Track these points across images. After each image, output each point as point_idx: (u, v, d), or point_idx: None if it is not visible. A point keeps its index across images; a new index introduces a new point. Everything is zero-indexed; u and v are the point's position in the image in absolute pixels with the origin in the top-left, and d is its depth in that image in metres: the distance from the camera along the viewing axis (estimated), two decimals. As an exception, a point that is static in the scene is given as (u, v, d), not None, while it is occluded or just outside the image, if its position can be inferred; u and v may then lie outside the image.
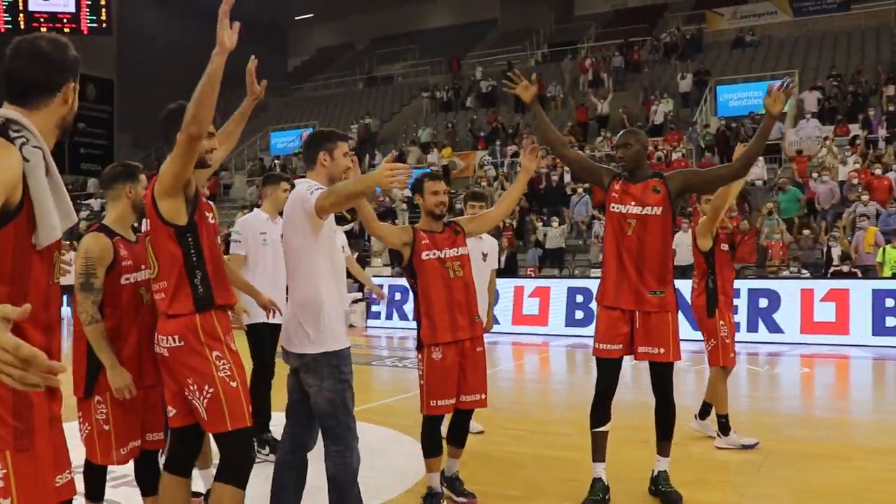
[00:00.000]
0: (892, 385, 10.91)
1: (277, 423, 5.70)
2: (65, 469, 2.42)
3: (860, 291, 13.46)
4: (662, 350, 4.99)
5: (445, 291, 4.90)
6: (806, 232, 16.59)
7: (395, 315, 17.10)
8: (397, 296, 16.85)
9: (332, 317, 3.94)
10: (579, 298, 15.62)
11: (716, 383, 6.66)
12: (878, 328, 13.21)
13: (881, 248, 15.01)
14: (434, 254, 4.94)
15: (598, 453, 5.14)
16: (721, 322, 6.52)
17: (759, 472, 6.03)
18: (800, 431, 7.58)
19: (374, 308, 17.42)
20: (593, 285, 15.28)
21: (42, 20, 32.88)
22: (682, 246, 15.60)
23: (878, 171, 17.81)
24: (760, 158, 19.89)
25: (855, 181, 17.39)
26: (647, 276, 4.99)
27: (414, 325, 5.07)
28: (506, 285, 15.61)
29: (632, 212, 5.01)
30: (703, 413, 7.00)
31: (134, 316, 3.93)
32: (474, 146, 27.46)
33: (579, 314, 15.44)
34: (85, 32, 33.54)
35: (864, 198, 16.63)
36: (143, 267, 3.97)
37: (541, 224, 19.33)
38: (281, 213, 5.14)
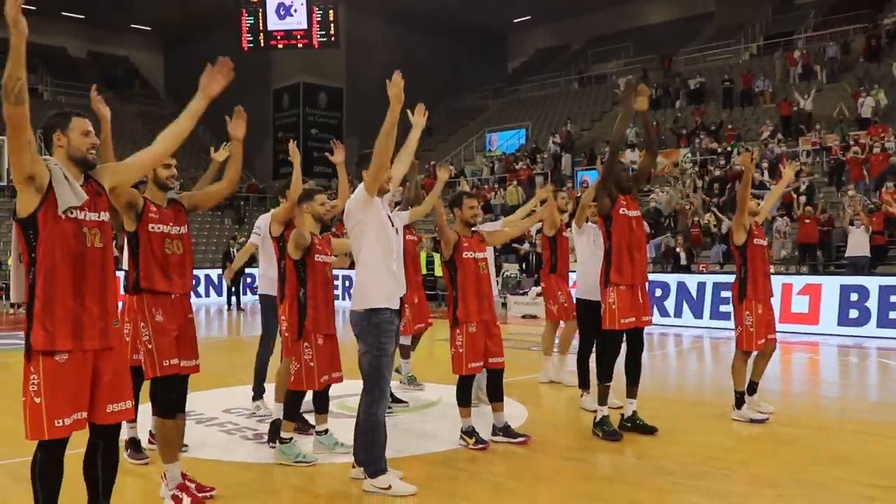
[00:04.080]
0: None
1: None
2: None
3: None
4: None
5: (477, 283, 6.62)
6: None
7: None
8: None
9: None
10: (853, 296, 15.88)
11: (735, 363, 7.69)
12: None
13: None
14: (472, 254, 6.64)
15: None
16: (747, 312, 7.54)
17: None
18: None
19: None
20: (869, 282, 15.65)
21: (279, 37, 36.87)
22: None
23: None
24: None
25: None
26: (643, 261, 6.84)
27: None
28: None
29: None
30: (751, 390, 7.89)
31: None
32: (677, 144, 28.04)
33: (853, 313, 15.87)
34: (316, 46, 37.22)
35: None
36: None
37: (727, 219, 19.88)
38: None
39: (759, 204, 7.86)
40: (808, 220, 18.65)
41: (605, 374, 7.04)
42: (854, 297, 15.02)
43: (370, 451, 5.46)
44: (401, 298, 8.26)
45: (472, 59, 44.77)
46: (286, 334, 6.42)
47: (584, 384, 8.10)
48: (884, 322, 14.62)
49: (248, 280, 24.15)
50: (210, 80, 4.17)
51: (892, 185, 19.22)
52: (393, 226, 5.56)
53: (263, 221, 7.60)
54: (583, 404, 8.04)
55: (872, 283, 15.11)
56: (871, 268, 17.28)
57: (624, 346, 7.14)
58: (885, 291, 14.74)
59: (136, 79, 45.47)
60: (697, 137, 27.12)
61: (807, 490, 5.56)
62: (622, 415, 7.26)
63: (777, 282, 15.85)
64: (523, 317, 19.38)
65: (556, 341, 10.09)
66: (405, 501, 5.33)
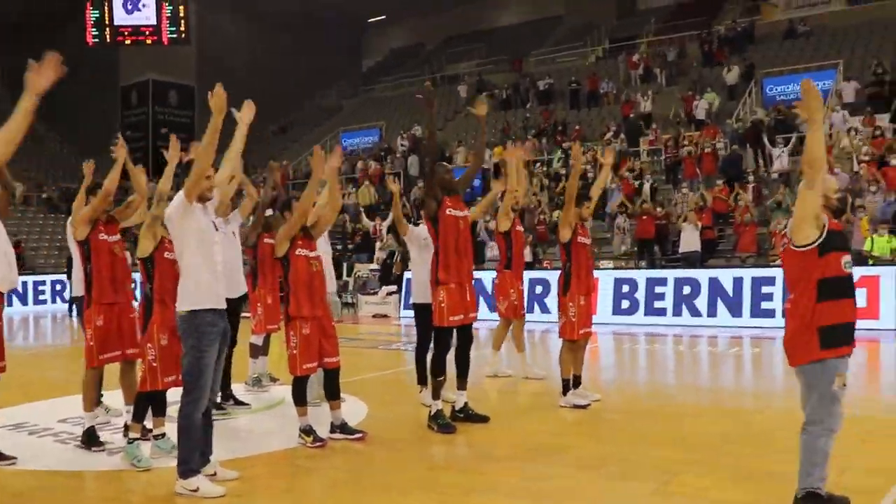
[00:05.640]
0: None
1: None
2: None
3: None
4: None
5: (309, 280, 6.93)
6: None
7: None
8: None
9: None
10: (625, 288, 16.85)
11: (563, 353, 8.21)
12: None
13: (869, 237, 15.94)
14: (304, 252, 6.88)
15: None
16: (570, 304, 8.05)
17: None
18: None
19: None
20: (638, 275, 16.93)
21: (126, 33, 35.83)
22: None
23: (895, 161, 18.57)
24: (783, 151, 20.83)
25: (863, 171, 18.23)
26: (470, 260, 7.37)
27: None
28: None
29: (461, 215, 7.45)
30: (576, 383, 8.39)
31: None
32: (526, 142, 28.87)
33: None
34: (166, 43, 36.36)
35: (874, 188, 17.50)
36: None
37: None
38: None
39: (590, 210, 8.34)
40: (645, 217, 19.64)
41: (438, 370, 7.35)
42: (686, 289, 16.02)
43: (183, 451, 5.55)
44: (241, 299, 8.42)
45: (328, 58, 44.64)
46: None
47: (421, 380, 8.40)
48: (714, 311, 15.64)
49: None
50: (37, 76, 3.90)
51: (722, 182, 20.49)
52: (217, 230, 5.68)
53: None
54: (421, 399, 8.33)
55: (703, 275, 16.16)
56: (703, 261, 18.37)
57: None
58: (713, 283, 15.79)
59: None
60: (545, 137, 28.03)
61: (623, 467, 6.02)
62: (453, 406, 7.60)
63: (616, 276, 16.84)
64: (374, 316, 19.59)
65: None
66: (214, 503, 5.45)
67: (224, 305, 5.63)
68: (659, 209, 19.89)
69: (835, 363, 4.54)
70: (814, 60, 28.00)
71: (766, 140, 21.77)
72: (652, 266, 18.98)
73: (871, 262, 15.45)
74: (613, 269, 18.52)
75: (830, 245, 4.57)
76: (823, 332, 4.53)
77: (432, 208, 7.32)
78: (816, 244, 4.57)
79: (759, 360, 12.06)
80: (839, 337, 4.55)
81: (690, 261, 18.01)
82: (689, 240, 18.22)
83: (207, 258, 5.50)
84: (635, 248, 20.18)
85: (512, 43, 40.90)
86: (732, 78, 27.74)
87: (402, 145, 31.53)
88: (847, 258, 4.64)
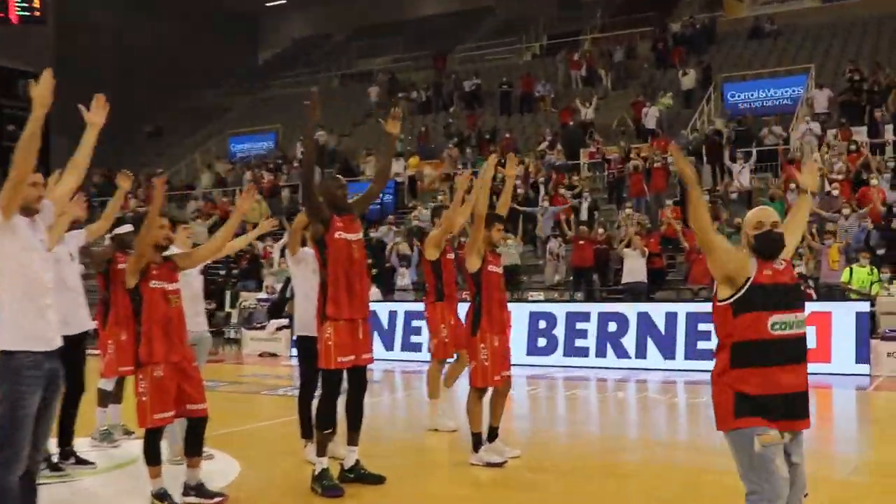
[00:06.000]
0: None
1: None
2: None
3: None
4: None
5: (165, 318, 6.81)
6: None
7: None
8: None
9: None
10: (542, 324, 16.96)
11: (470, 403, 8.08)
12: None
13: (847, 268, 16.34)
14: (159, 284, 6.76)
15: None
16: (482, 344, 7.98)
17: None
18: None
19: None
20: (557, 309, 17.03)
21: (-35, 9, 34.82)
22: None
23: (874, 181, 19.12)
24: (745, 166, 21.30)
25: (836, 192, 18.73)
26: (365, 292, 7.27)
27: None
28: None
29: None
30: (491, 436, 8.29)
31: None
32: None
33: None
34: (15, 21, 35.51)
35: (846, 210, 17.96)
36: None
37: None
38: None
39: (500, 233, 8.31)
40: (582, 242, 19.79)
41: (325, 421, 7.20)
42: (612, 326, 16.16)
43: None
44: (83, 336, 8.16)
45: (217, 47, 44.26)
46: None
47: (305, 433, 8.22)
48: (642, 352, 15.82)
49: None
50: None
51: (673, 202, 20.82)
52: (50, 251, 5.42)
53: None
54: (305, 456, 8.16)
55: (631, 311, 16.26)
56: (650, 293, 18.59)
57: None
58: (643, 319, 15.97)
59: None
60: (470, 146, 28.18)
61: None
62: (342, 465, 7.45)
63: (532, 310, 16.90)
64: (260, 355, 19.34)
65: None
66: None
67: (53, 345, 5.30)
68: (599, 232, 20.08)
69: (753, 429, 4.52)
70: (782, 64, 28.84)
71: (725, 154, 22.20)
72: (590, 298, 19.14)
73: (852, 296, 15.82)
74: (545, 301, 18.61)
75: (750, 304, 4.54)
76: (739, 400, 4.54)
77: (318, 230, 7.21)
78: (729, 302, 4.59)
79: (695, 409, 12.16)
80: (759, 409, 4.51)
81: (635, 293, 18.20)
82: (634, 268, 18.40)
83: (33, 285, 5.21)
84: (571, 278, 20.31)
85: (433, 37, 41.21)
86: (689, 82, 28.40)
87: (301, 153, 31.30)
88: (781, 318, 4.54)
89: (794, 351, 4.58)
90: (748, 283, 4.55)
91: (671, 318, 15.74)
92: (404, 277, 20.88)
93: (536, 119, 30.85)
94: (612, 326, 16.15)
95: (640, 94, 28.62)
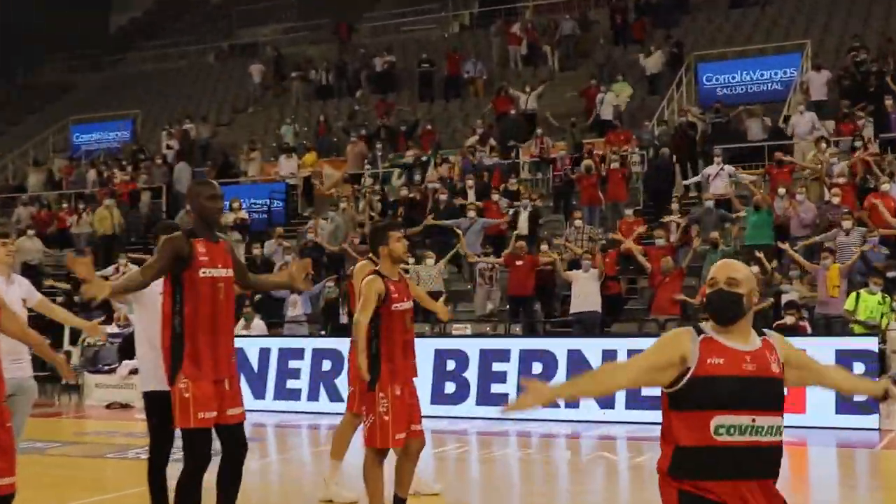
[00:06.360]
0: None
1: None
2: None
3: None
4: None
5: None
6: (754, 269, 17.91)
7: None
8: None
9: None
10: (450, 365, 16.69)
11: (367, 468, 7.89)
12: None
13: (853, 294, 16.32)
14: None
15: None
16: (381, 395, 7.73)
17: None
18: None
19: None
20: (469, 347, 16.77)
21: None
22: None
23: (885, 186, 19.21)
24: (725, 168, 21.30)
25: (836, 200, 18.79)
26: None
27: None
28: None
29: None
30: None
31: None
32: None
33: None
34: None
35: (847, 223, 17.99)
36: None
37: (412, 261, 20.47)
38: None
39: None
40: (520, 262, 19.58)
41: (185, 496, 6.87)
42: (537, 367, 15.86)
43: None
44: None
45: (58, 10, 43.42)
46: None
47: None
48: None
49: None
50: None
51: (633, 212, 20.73)
52: None
53: None
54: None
55: (594, 347, 16.03)
56: (604, 326, 18.47)
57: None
58: (574, 358, 15.66)
59: None
60: (381, 140, 27.93)
61: None
62: None
63: (437, 346, 16.67)
64: (108, 406, 18.88)
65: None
66: None
67: None
68: (543, 249, 19.93)
69: None
70: (770, 40, 29.01)
71: (698, 152, 22.22)
72: (531, 332, 18.99)
73: (856, 330, 15.81)
74: (471, 336, 18.39)
75: (688, 400, 4.38)
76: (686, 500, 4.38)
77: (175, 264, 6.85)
78: (667, 391, 4.45)
79: (638, 470, 12.11)
80: None
81: (587, 325, 18.09)
82: (586, 295, 18.26)
83: None
84: (507, 307, 20.13)
85: (335, 2, 40.93)
86: (655, 63, 28.53)
87: (167, 146, 30.84)
88: (729, 420, 4.35)
89: (750, 464, 4.39)
90: (688, 375, 4.36)
91: (608, 357, 15.24)
92: (296, 307, 20.44)
93: (465, 107, 30.76)
94: (538, 367, 15.90)
95: (595, 77, 28.60)
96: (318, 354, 17.28)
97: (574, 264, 19.03)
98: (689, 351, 4.37)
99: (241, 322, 18.44)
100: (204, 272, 6.86)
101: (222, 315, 6.99)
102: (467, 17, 38.37)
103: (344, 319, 18.69)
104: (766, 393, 4.41)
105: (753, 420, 4.33)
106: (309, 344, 17.89)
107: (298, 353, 17.36)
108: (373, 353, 7.79)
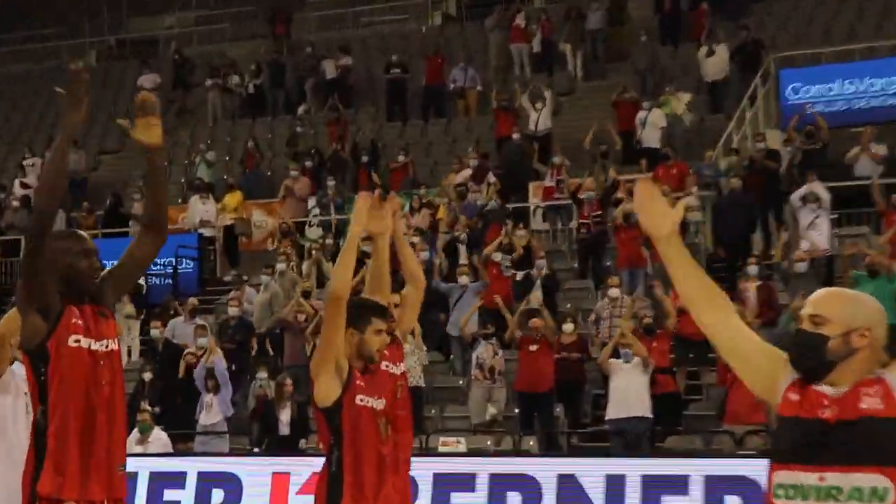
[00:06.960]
0: None
1: None
2: None
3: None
4: None
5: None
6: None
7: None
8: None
9: None
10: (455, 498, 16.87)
11: None
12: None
13: None
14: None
15: None
16: None
17: None
18: None
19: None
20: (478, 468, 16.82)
21: None
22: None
23: None
24: (820, 213, 21.49)
25: None
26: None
27: None
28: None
29: None
30: None
31: None
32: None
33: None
34: None
35: None
36: None
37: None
38: None
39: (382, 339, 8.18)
40: (535, 347, 19.60)
41: None
42: (513, 499, 16.13)
43: None
44: None
45: None
46: None
47: None
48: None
49: None
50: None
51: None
52: None
53: None
54: None
55: (641, 470, 16.12)
56: (655, 440, 18.57)
57: None
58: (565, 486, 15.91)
59: None
60: (335, 171, 28.03)
61: None
62: None
63: (470, 468, 16.75)
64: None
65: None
66: None
67: None
68: (565, 329, 19.99)
69: None
70: (883, 36, 29.07)
71: (783, 193, 22.41)
72: (550, 448, 19.05)
73: None
74: (464, 453, 18.41)
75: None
76: None
77: (36, 330, 6.84)
78: None
79: None
80: None
81: (631, 438, 18.12)
82: (628, 394, 18.27)
83: None
84: (517, 411, 20.12)
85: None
86: (718, 67, 28.70)
87: (22, 184, 30.94)
88: (790, 478, 4.43)
89: None
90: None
91: (615, 483, 15.66)
92: (211, 410, 20.22)
93: (451, 129, 30.94)
94: (513, 499, 16.08)
95: (633, 86, 28.82)
96: (252, 481, 17.14)
97: (612, 352, 18.83)
98: (783, 377, 4.47)
99: (135, 434, 18.15)
100: (75, 341, 6.89)
101: (102, 402, 6.89)
102: (453, 4, 38.43)
103: (285, 430, 18.74)
104: (845, 444, 4.32)
105: (822, 477, 4.32)
106: (233, 466, 17.72)
107: (219, 479, 17.25)
108: (331, 472, 7.81)
